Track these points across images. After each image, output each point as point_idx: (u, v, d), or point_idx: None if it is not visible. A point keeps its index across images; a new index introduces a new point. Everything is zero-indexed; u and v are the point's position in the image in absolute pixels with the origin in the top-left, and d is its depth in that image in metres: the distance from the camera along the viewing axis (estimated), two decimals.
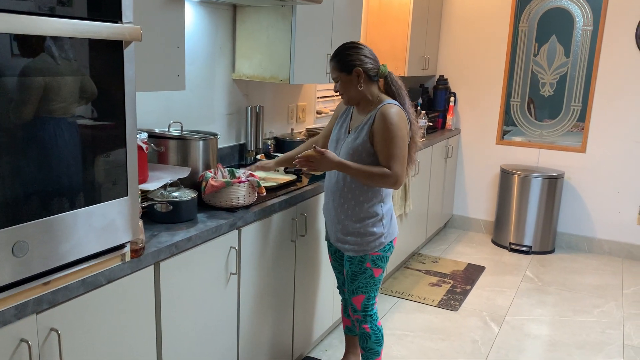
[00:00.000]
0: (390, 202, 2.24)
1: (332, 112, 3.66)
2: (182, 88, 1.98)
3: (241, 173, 2.13)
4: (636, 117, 4.16)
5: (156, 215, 1.85)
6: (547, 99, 4.51)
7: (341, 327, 2.90)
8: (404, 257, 3.89)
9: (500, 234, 4.52)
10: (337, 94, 2.18)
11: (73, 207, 1.33)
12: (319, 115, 3.66)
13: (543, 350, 2.90)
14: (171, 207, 1.83)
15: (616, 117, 4.22)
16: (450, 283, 3.72)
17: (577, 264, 4.19)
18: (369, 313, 2.28)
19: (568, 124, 4.46)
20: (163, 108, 2.38)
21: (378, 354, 2.33)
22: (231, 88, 2.78)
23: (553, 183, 4.28)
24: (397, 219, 3.58)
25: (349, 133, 2.19)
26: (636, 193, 4.24)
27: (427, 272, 3.89)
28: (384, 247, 2.20)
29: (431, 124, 4.39)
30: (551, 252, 4.43)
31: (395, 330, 3.05)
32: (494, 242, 4.59)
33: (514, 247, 4.42)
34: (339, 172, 2.15)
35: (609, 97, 4.22)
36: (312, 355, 2.76)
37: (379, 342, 2.32)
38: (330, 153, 2.03)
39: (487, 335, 3.03)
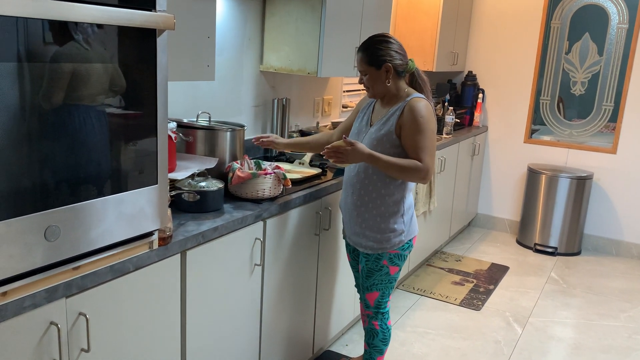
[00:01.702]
0: (411, 199, 2.21)
1: None
2: (212, 78, 1.98)
3: (267, 165, 2.12)
4: None
5: (183, 205, 1.86)
6: (577, 98, 4.42)
7: (361, 322, 2.89)
8: (427, 255, 3.85)
9: (525, 234, 4.45)
10: (363, 86, 2.15)
11: (103, 193, 1.34)
12: (344, 109, 3.64)
13: (567, 353, 2.85)
14: (198, 196, 1.84)
15: None
16: (473, 282, 3.68)
17: (603, 267, 4.11)
18: (382, 310, 2.26)
19: (599, 124, 4.36)
20: (191, 98, 2.39)
21: (382, 352, 2.31)
22: (258, 80, 2.78)
23: (581, 184, 4.19)
24: (421, 216, 3.55)
25: (370, 125, 2.16)
26: None
27: (450, 271, 3.86)
28: (403, 246, 2.17)
29: (458, 121, 4.34)
30: (577, 254, 4.34)
31: (417, 327, 3.03)
32: (518, 242, 4.52)
33: (539, 247, 4.35)
34: (360, 164, 2.12)
35: None
36: (333, 349, 2.76)
37: (385, 341, 2.30)
38: (360, 144, 1.99)
39: (510, 336, 2.99)
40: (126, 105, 1.37)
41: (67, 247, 1.28)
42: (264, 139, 2.35)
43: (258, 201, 2.02)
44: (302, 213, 2.22)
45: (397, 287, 3.49)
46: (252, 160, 2.15)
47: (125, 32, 1.32)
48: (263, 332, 2.11)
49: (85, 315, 1.37)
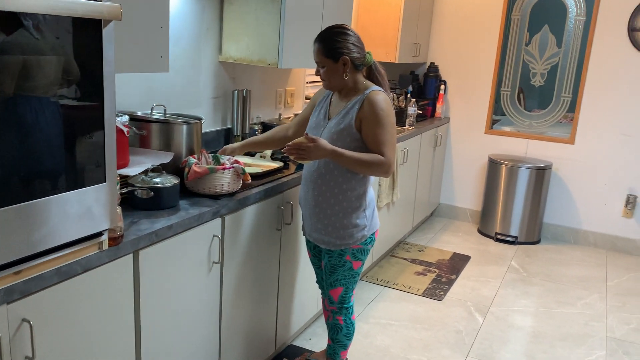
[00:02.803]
0: (372, 192, 2.19)
1: None
2: (166, 70, 1.91)
3: (226, 159, 2.07)
4: (625, 109, 4.15)
5: (137, 202, 1.79)
6: (537, 89, 4.49)
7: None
8: (390, 246, 3.87)
9: (486, 223, 4.52)
10: (319, 78, 2.11)
11: (46, 193, 1.27)
12: (307, 101, 3.60)
13: (526, 341, 2.90)
14: (152, 193, 1.77)
15: (606, 109, 4.21)
16: (435, 272, 3.71)
17: (562, 255, 4.21)
18: (346, 305, 2.25)
19: (558, 114, 4.44)
20: (146, 90, 2.30)
21: (346, 347, 2.30)
22: (217, 71, 2.71)
23: (541, 174, 4.27)
24: (385, 208, 3.55)
25: (329, 119, 2.13)
26: (622, 185, 4.25)
27: (413, 261, 3.88)
28: (366, 240, 2.16)
29: (421, 112, 4.35)
30: (537, 242, 4.44)
31: (380, 319, 3.03)
32: (480, 231, 4.59)
33: (499, 237, 4.42)
34: (320, 160, 2.09)
35: (600, 89, 4.21)
36: (296, 343, 2.73)
37: (349, 335, 2.29)
38: (323, 141, 1.95)
39: (472, 325, 3.03)
40: (71, 99, 1.30)
41: (7, 250, 1.21)
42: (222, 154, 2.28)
43: (216, 197, 1.97)
44: (262, 208, 2.18)
45: (360, 279, 3.49)
46: (210, 155, 2.09)
47: (72, 23, 1.24)
48: (223, 329, 2.07)
49: (29, 322, 1.30)
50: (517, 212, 4.34)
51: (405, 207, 4.00)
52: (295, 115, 3.29)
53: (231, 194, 2.01)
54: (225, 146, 2.29)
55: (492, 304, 3.30)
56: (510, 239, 4.38)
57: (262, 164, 2.46)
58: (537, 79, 4.46)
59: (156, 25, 1.84)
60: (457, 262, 3.91)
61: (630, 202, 4.22)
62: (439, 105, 4.62)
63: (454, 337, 2.90)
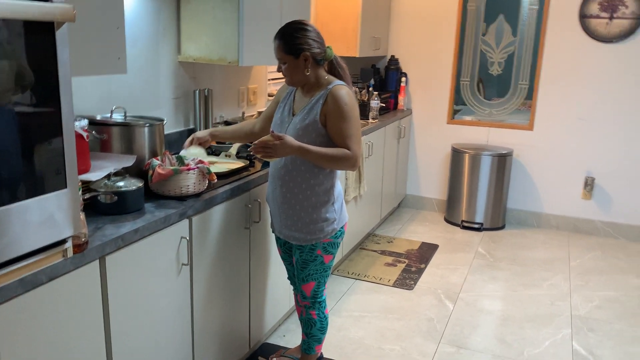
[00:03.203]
0: (340, 186, 2.21)
1: None
2: (124, 71, 1.87)
3: (190, 160, 2.05)
4: (580, 94, 4.28)
5: (101, 207, 1.75)
6: (496, 78, 4.58)
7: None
8: (360, 239, 3.90)
9: (452, 212, 4.60)
10: (281, 74, 2.11)
11: (5, 202, 1.23)
12: (270, 98, 3.59)
13: (496, 325, 2.97)
14: (116, 197, 1.74)
15: (562, 95, 4.34)
16: (405, 262, 3.76)
17: (526, 239, 4.32)
18: (318, 300, 2.26)
19: (516, 102, 4.55)
20: (104, 93, 2.26)
21: (320, 341, 2.32)
22: (177, 71, 2.67)
23: (502, 161, 4.37)
24: (352, 201, 3.58)
25: (293, 115, 2.13)
26: (581, 168, 4.39)
27: (383, 252, 3.92)
28: (336, 233, 2.17)
29: (384, 105, 4.39)
30: (502, 228, 4.54)
31: (353, 312, 3.06)
32: (446, 220, 4.67)
33: (465, 224, 4.51)
34: (286, 156, 2.09)
35: (555, 76, 4.33)
36: (270, 341, 2.73)
37: (323, 329, 2.31)
38: (289, 138, 1.96)
39: (442, 312, 3.09)
40: (27, 105, 1.26)
41: None
42: (191, 142, 2.26)
43: (182, 198, 1.95)
44: (230, 207, 2.17)
45: (332, 273, 3.51)
46: (173, 156, 2.07)
47: (20, 26, 1.21)
48: (196, 331, 2.05)
49: None
50: (482, 199, 4.44)
51: (373, 200, 4.03)
52: (259, 112, 3.27)
53: (197, 195, 2.00)
54: (193, 134, 2.27)
55: (461, 290, 3.37)
56: (476, 226, 4.47)
57: (228, 162, 2.44)
58: (495, 68, 4.56)
59: (112, 26, 1.81)
60: (426, 251, 3.97)
61: (588, 184, 4.36)
62: (401, 98, 4.67)
63: (426, 325, 2.95)
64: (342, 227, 2.21)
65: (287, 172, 2.11)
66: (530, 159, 4.53)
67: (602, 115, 4.25)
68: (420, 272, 3.62)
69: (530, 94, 4.45)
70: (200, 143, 2.26)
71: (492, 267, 3.73)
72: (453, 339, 2.81)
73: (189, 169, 1.93)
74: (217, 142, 2.45)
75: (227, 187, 2.14)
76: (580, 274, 3.67)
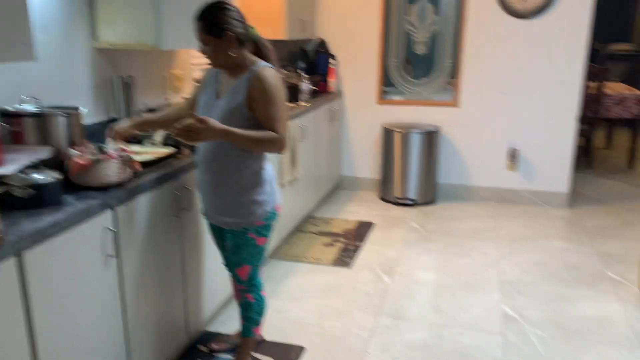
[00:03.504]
0: (270, 168, 2.20)
1: None
2: (32, 58, 1.77)
3: (111, 148, 1.98)
4: (502, 70, 4.45)
5: (16, 202, 1.66)
6: (421, 57, 4.69)
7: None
8: (297, 222, 3.91)
9: (386, 190, 4.70)
10: (205, 56, 2.06)
11: None
12: (197, 84, 3.51)
13: (431, 294, 3.08)
14: (33, 191, 1.66)
15: (484, 71, 4.50)
16: (342, 242, 3.82)
17: (457, 211, 4.48)
18: (254, 283, 2.26)
19: (441, 80, 4.68)
20: (14, 83, 2.13)
21: (258, 323, 2.32)
22: (95, 57, 2.56)
23: (431, 138, 4.50)
24: (288, 185, 3.58)
25: (219, 98, 2.10)
26: (505, 141, 4.58)
27: (321, 234, 3.96)
28: (268, 216, 2.17)
29: (314, 88, 4.40)
30: (433, 202, 4.69)
31: (292, 293, 3.07)
32: (381, 198, 4.76)
33: (399, 201, 4.62)
34: (213, 141, 2.05)
35: (477, 53, 4.48)
36: (210, 329, 2.71)
37: (261, 312, 2.31)
38: (213, 121, 1.92)
39: (380, 287, 3.16)
40: None
41: None
42: (112, 135, 2.16)
43: (105, 189, 1.88)
44: (157, 196, 2.11)
45: (270, 257, 3.51)
46: (93, 145, 1.99)
47: None
48: (129, 324, 2.00)
49: None
50: (414, 176, 4.56)
51: (308, 183, 4.05)
52: (185, 99, 3.19)
53: (121, 184, 1.93)
54: (113, 126, 2.18)
55: (397, 264, 3.46)
56: (410, 202, 4.59)
57: (154, 150, 2.37)
58: (421, 48, 4.66)
59: (16, 11, 1.70)
60: (362, 230, 4.04)
61: (512, 155, 4.57)
62: (331, 80, 4.70)
63: (364, 300, 3.01)
64: (274, 210, 2.20)
65: (214, 157, 2.08)
66: (457, 135, 4.68)
67: (523, 89, 4.45)
68: (357, 249, 3.69)
69: (455, 72, 4.59)
70: (123, 136, 2.17)
71: (426, 240, 3.85)
72: (391, 312, 2.88)
73: (110, 158, 1.86)
74: (143, 131, 2.37)
75: (154, 175, 2.08)
76: (507, 241, 3.86)
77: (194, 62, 3.47)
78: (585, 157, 5.97)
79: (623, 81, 8.18)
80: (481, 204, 4.68)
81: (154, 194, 2.09)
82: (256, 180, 2.11)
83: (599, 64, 6.86)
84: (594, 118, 5.58)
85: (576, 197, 4.81)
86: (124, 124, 2.19)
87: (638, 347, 2.56)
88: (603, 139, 6.97)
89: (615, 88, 6.03)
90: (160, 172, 2.13)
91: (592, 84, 5.48)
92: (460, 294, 3.09)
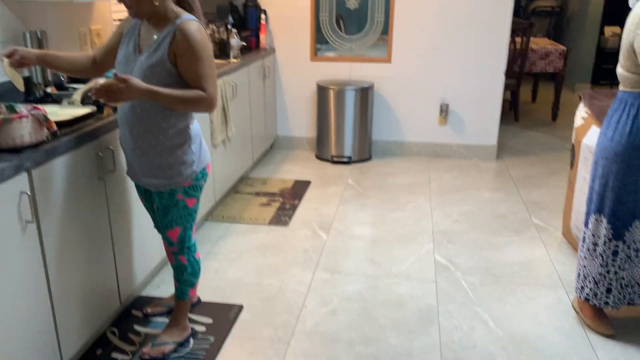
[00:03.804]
0: (197, 125, 2.12)
1: None
2: None
3: (23, 107, 1.83)
4: (432, 25, 4.48)
5: None
6: (353, 12, 4.63)
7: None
8: (233, 182, 3.85)
9: (322, 148, 4.69)
10: (125, 4, 1.92)
11: None
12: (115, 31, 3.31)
13: (367, 248, 3.13)
14: None
15: (416, 27, 4.51)
16: (279, 201, 3.80)
17: (391, 167, 4.55)
18: (187, 245, 2.20)
19: (373, 36, 4.65)
20: None
21: (193, 285, 2.28)
22: (1, 9, 2.34)
23: (364, 94, 4.50)
24: (221, 145, 3.49)
25: (139, 53, 1.98)
26: (436, 96, 4.66)
27: (257, 194, 3.92)
28: (197, 176, 2.10)
29: (245, 44, 4.27)
30: (369, 159, 4.74)
31: (229, 254, 3.04)
32: (317, 157, 4.76)
33: (335, 159, 4.63)
34: (134, 100, 1.94)
35: (408, 8, 4.47)
36: (144, 294, 2.64)
37: (195, 274, 2.27)
38: (135, 80, 1.80)
39: (317, 243, 3.18)
40: None
41: None
42: (10, 57, 1.93)
43: (18, 150, 1.75)
44: (77, 157, 1.99)
45: (205, 219, 3.45)
46: (2, 105, 1.84)
47: None
48: (54, 293, 1.90)
49: None
50: (349, 134, 4.57)
51: (243, 143, 3.98)
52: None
53: (36, 145, 1.81)
54: (15, 48, 1.95)
55: (333, 221, 3.49)
56: (345, 160, 4.62)
57: (72, 110, 2.23)
58: (352, 3, 4.60)
59: None
60: (299, 188, 4.04)
61: (443, 110, 4.66)
62: (262, 36, 4.57)
63: (302, 256, 3.02)
64: (203, 169, 2.13)
65: (136, 117, 1.97)
66: (390, 91, 4.71)
67: (453, 44, 4.50)
68: (294, 208, 3.68)
69: (387, 28, 4.58)
70: (23, 62, 1.96)
71: (362, 196, 3.90)
72: (328, 266, 2.92)
73: (20, 117, 1.73)
74: (46, 65, 2.11)
75: (73, 135, 1.96)
76: (439, 193, 3.97)
77: (115, 17, 3.26)
78: (512, 110, 6.19)
79: (547, 36, 8.48)
80: (414, 159, 4.77)
81: (73, 156, 1.97)
82: (182, 139, 2.03)
83: (524, 19, 7.04)
84: (520, 72, 5.76)
85: (504, 149, 5.00)
86: (28, 51, 1.99)
87: (560, 287, 2.72)
88: (529, 93, 7.25)
89: (539, 43, 6.24)
90: (80, 132, 2.00)
91: (518, 39, 5.63)
92: (394, 246, 3.16)
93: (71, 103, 2.31)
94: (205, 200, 3.30)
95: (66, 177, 1.93)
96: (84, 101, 2.32)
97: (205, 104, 1.93)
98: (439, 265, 2.94)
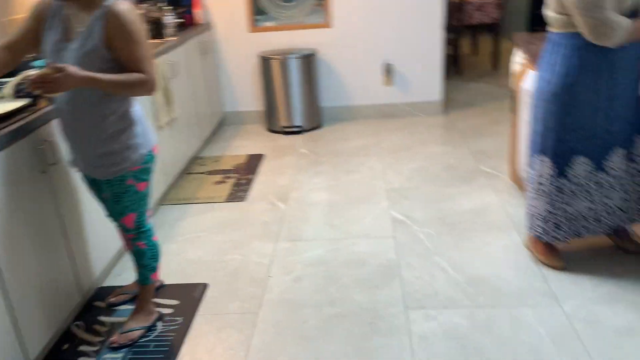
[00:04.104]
0: (138, 108, 2.07)
1: None
2: None
3: None
4: None
5: None
6: None
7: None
8: (184, 164, 3.79)
9: (272, 120, 4.66)
10: None
11: None
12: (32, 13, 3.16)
13: (325, 213, 3.17)
14: None
15: None
16: (234, 177, 3.77)
17: (342, 132, 4.58)
18: (143, 229, 2.17)
19: (310, 2, 4.60)
20: None
21: (154, 269, 2.27)
22: None
23: (308, 61, 4.47)
24: (167, 127, 3.42)
25: (69, 40, 1.89)
26: (380, 57, 4.68)
27: (210, 173, 3.88)
28: (145, 159, 2.06)
29: (180, 21, 4.15)
30: (320, 127, 4.74)
31: (188, 235, 3.02)
32: (268, 129, 4.73)
33: (286, 130, 4.62)
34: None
35: None
36: (106, 284, 2.60)
37: (155, 257, 2.25)
38: (73, 68, 1.72)
39: (276, 214, 3.19)
40: None
41: None
42: None
43: None
44: (14, 153, 1.92)
45: (159, 204, 3.40)
46: None
47: None
48: (10, 293, 1.85)
49: None
50: (297, 103, 4.55)
51: (190, 122, 3.91)
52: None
53: None
54: None
55: (290, 190, 3.50)
56: (296, 129, 4.61)
57: (4, 106, 2.13)
58: None
59: None
60: (253, 163, 4.02)
61: (387, 70, 4.69)
62: (197, 11, 4.45)
63: (261, 229, 3.03)
64: (150, 151, 2.09)
65: (74, 106, 1.91)
66: (333, 56, 4.70)
67: (390, 4, 4.50)
68: (249, 182, 3.67)
69: None
70: None
71: (316, 164, 3.92)
72: (288, 236, 2.94)
73: None
74: None
75: (6, 131, 1.88)
76: (390, 153, 4.03)
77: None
78: (454, 64, 6.29)
79: None
80: (364, 121, 4.81)
81: (11, 151, 1.89)
82: (124, 124, 1.98)
83: None
84: (459, 26, 5.84)
85: (449, 103, 5.10)
86: None
87: (512, 228, 2.84)
88: (469, 46, 7.37)
89: None
90: (14, 126, 1.92)
91: None
92: (351, 208, 3.21)
93: (1, 98, 2.20)
94: (157, 185, 3.24)
95: (6, 174, 1.86)
96: (16, 94, 2.22)
97: (147, 87, 1.89)
98: (396, 221, 3.01)
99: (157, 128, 3.24)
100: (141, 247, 2.20)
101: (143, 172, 2.08)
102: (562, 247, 2.59)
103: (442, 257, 2.62)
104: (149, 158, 2.09)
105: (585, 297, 2.25)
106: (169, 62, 3.48)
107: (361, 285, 2.45)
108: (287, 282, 2.52)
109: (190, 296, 2.45)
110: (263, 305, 2.36)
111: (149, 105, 3.13)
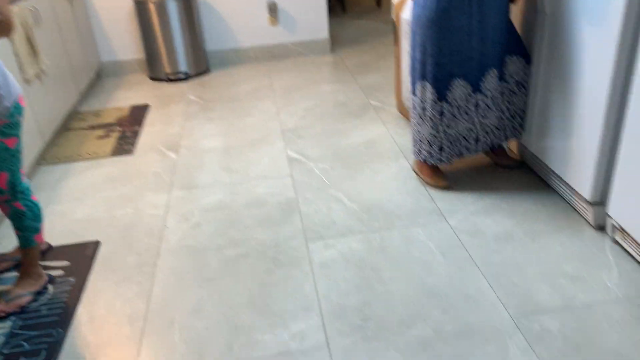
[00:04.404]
0: None
1: None
2: None
3: None
4: None
5: None
6: None
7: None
8: (61, 120, 3.51)
9: (155, 68, 4.42)
10: None
11: None
12: None
13: (221, 158, 3.10)
14: None
15: None
16: (118, 130, 3.57)
17: (232, 77, 4.45)
18: (19, 189, 2.00)
19: None
20: None
21: (38, 230, 2.11)
22: None
23: (188, 3, 4.24)
24: (36, 80, 3.12)
25: None
26: None
27: (92, 128, 3.63)
28: (10, 112, 1.87)
29: None
30: (207, 72, 4.57)
31: (73, 194, 2.83)
32: (151, 78, 4.49)
33: (171, 77, 4.41)
34: None
35: None
36: None
37: (37, 217, 2.09)
38: None
39: (167, 163, 3.08)
40: None
41: None
42: None
43: None
44: None
45: (38, 164, 3.14)
46: None
47: None
48: None
49: None
50: (180, 48, 4.33)
51: (63, 75, 3.59)
52: None
53: None
54: None
55: (181, 139, 3.38)
56: (182, 76, 4.41)
57: None
58: None
59: None
60: (138, 114, 3.81)
61: (272, 9, 4.58)
62: None
63: (153, 180, 2.92)
64: (16, 103, 1.90)
65: None
66: None
67: None
68: (136, 135, 3.49)
69: None
70: None
71: (206, 110, 3.80)
72: (183, 184, 2.85)
73: None
74: None
75: None
76: (283, 94, 3.99)
77: None
78: (339, 2, 6.29)
79: None
80: (253, 64, 4.70)
81: None
82: None
83: None
84: None
85: (337, 41, 5.11)
86: None
87: (401, 156, 2.96)
88: None
89: None
90: None
91: None
92: (247, 151, 3.17)
93: None
94: (33, 145, 2.98)
95: None
96: None
97: (4, 26, 1.69)
98: (292, 160, 3.02)
99: (24, 81, 2.95)
100: (19, 208, 2.03)
101: (10, 126, 1.89)
102: (445, 168, 2.75)
103: (337, 189, 2.69)
104: (15, 110, 1.90)
105: (467, 210, 2.42)
106: (30, 8, 3.14)
107: (262, 224, 2.45)
108: (185, 230, 2.46)
109: (82, 255, 2.33)
110: (161, 255, 2.30)
111: (11, 57, 2.83)
